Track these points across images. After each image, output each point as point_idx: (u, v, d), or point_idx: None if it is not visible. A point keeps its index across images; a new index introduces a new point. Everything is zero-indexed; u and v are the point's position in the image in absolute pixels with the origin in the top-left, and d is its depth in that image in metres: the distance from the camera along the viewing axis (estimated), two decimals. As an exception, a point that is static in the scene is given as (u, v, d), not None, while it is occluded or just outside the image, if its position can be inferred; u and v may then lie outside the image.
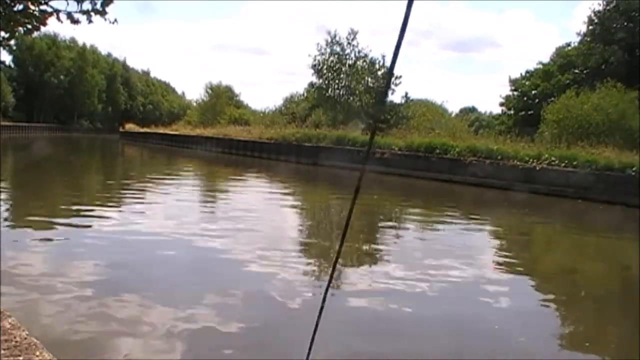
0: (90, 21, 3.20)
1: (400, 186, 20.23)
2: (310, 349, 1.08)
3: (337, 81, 37.52)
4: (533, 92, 35.29)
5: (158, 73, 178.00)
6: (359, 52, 37.86)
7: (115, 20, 3.29)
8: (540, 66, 37.17)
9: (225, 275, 6.63)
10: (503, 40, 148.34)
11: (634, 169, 17.41)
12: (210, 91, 57.34)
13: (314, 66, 37.70)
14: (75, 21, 3.17)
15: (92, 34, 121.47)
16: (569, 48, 36.08)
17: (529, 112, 33.52)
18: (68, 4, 3.14)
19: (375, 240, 9.62)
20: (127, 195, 14.22)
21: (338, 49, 37.60)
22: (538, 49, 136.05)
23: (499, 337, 5.14)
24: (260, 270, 6.77)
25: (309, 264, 7.75)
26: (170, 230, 9.07)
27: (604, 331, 5.73)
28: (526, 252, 10.13)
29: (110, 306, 5.07)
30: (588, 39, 33.48)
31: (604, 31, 32.15)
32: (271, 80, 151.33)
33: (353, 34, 37.67)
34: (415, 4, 0.85)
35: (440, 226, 12.05)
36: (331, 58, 37.55)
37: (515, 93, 37.75)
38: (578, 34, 35.40)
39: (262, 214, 11.99)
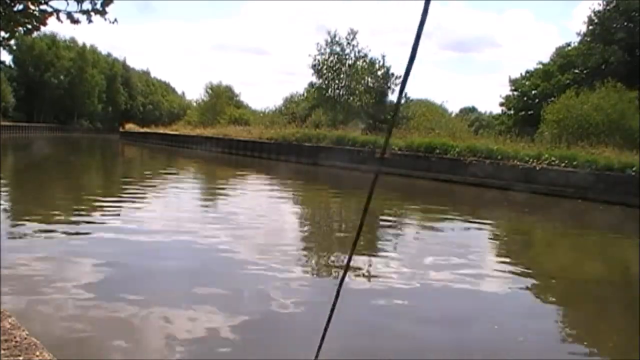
0: (90, 21, 3.20)
1: (400, 186, 20.21)
2: (319, 349, 1.08)
3: (337, 81, 37.54)
4: (533, 92, 35.29)
5: (158, 73, 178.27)
6: (358, 52, 37.94)
7: (115, 20, 3.29)
8: (540, 66, 37.17)
9: (225, 275, 6.63)
10: (503, 40, 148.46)
11: (634, 169, 17.41)
12: (210, 91, 57.38)
13: (314, 66, 37.75)
14: (75, 21, 3.17)
15: (92, 34, 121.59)
16: (569, 48, 36.07)
17: (529, 112, 33.52)
18: (68, 4, 3.14)
19: (374, 240, 9.61)
20: (127, 195, 14.21)
21: (338, 49, 37.64)
22: (538, 49, 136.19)
23: (499, 337, 5.14)
24: (260, 270, 6.77)
25: (309, 264, 7.74)
26: (170, 230, 9.07)
27: (603, 331, 5.73)
28: (526, 252, 10.13)
29: (111, 306, 5.07)
30: (588, 39, 33.47)
31: (604, 31, 32.14)
32: (271, 80, 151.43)
33: (353, 34, 37.75)
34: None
35: (440, 226, 12.05)
36: (331, 58, 37.57)
37: (515, 93, 37.74)
38: (578, 34, 35.43)
39: (262, 214, 11.98)
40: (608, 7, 32.48)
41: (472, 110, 68.82)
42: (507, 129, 30.68)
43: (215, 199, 15.42)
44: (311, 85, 40.19)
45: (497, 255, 9.28)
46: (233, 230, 9.53)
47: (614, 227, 14.08)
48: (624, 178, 17.44)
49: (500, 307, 6.19)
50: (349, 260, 0.87)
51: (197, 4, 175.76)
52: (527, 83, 36.72)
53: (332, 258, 8.16)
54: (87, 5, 3.15)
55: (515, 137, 24.21)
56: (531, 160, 19.92)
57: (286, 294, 5.81)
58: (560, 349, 5.06)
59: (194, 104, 68.08)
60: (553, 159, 19.50)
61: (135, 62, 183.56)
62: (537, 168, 19.49)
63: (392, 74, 37.49)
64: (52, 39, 75.43)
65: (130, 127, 63.08)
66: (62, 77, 75.48)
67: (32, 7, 3.20)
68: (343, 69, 37.22)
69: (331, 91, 37.81)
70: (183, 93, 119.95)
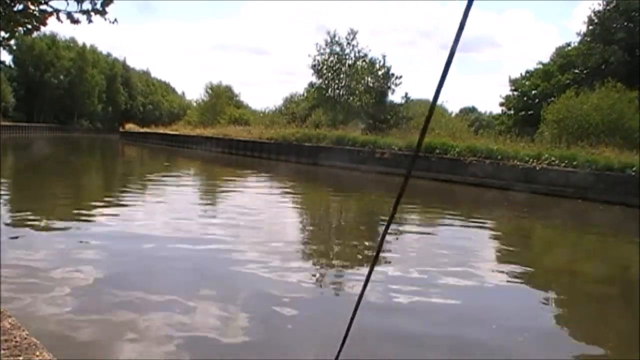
0: (90, 21, 3.20)
1: (399, 186, 20.19)
2: (340, 350, 1.08)
3: (337, 81, 37.54)
4: (533, 92, 35.29)
5: (158, 73, 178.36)
6: (358, 52, 37.92)
7: (115, 20, 3.29)
8: (540, 66, 37.18)
9: (225, 275, 6.63)
10: (503, 40, 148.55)
11: (634, 169, 17.41)
12: (210, 91, 57.40)
13: (313, 66, 37.75)
14: (75, 21, 3.17)
15: (92, 34, 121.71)
16: (569, 48, 36.08)
17: (529, 112, 33.52)
18: (68, 4, 3.15)
19: (374, 240, 9.61)
20: (127, 195, 14.22)
21: (338, 49, 37.64)
22: (538, 49, 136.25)
23: (498, 337, 5.14)
24: (260, 270, 6.77)
25: (309, 263, 7.74)
26: (170, 230, 9.07)
27: (603, 331, 5.73)
28: (526, 252, 10.12)
29: (111, 306, 5.07)
30: (588, 39, 33.48)
31: (604, 31, 32.15)
32: (271, 80, 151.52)
33: (353, 34, 37.74)
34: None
35: (439, 226, 12.05)
36: (331, 58, 37.57)
37: (515, 93, 37.75)
38: (578, 34, 35.44)
39: (262, 214, 11.98)
40: (608, 7, 32.48)
41: (472, 110, 68.81)
42: (507, 129, 30.68)
43: (216, 199, 15.42)
44: (311, 85, 40.20)
45: (497, 255, 9.28)
46: (233, 230, 9.53)
47: (614, 227, 14.09)
48: (624, 178, 17.44)
49: (499, 306, 6.18)
50: (374, 261, 0.87)
51: (197, 4, 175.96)
52: (527, 83, 36.72)
53: (332, 258, 8.17)
54: (87, 5, 3.16)
55: (515, 137, 24.21)
56: (531, 160, 19.91)
57: (286, 294, 5.81)
58: (560, 349, 5.06)
59: (194, 104, 68.13)
60: (553, 159, 19.51)
61: (135, 62, 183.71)
62: (537, 168, 19.49)
63: (392, 74, 37.51)
64: (52, 39, 75.46)
65: (130, 127, 63.08)
66: (62, 77, 75.50)
67: (32, 7, 3.20)
68: (343, 69, 37.22)
69: (331, 91, 37.82)
70: (183, 93, 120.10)
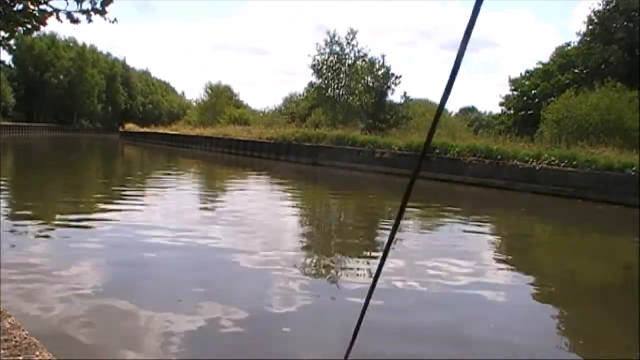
0: (90, 21, 3.20)
1: (400, 186, 20.20)
2: (349, 350, 1.07)
3: (337, 81, 37.52)
4: (533, 92, 35.27)
5: (158, 73, 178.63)
6: (358, 52, 37.90)
7: (115, 20, 3.29)
8: (540, 66, 37.16)
9: (225, 275, 6.63)
10: (503, 40, 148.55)
11: (634, 169, 17.40)
12: (210, 91, 57.41)
13: (313, 66, 37.73)
14: (75, 21, 3.17)
15: (92, 34, 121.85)
16: (569, 48, 36.08)
17: (529, 112, 33.50)
18: (68, 4, 3.15)
19: (374, 240, 9.62)
20: (127, 195, 14.22)
21: (338, 49, 37.62)
22: (538, 49, 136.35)
23: (498, 337, 5.14)
24: (260, 270, 6.77)
25: (309, 264, 7.74)
26: (170, 230, 9.07)
27: (603, 331, 5.73)
28: (526, 252, 10.12)
29: (111, 306, 5.07)
30: (588, 39, 33.47)
31: (604, 31, 32.14)
32: (271, 80, 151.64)
33: (353, 34, 37.72)
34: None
35: (439, 226, 12.05)
36: (331, 58, 37.55)
37: (515, 93, 37.73)
38: (578, 34, 35.42)
39: (263, 214, 11.98)
40: (608, 7, 32.47)
41: (472, 110, 68.77)
42: (507, 129, 30.66)
43: (216, 199, 15.42)
44: (311, 85, 40.20)
45: (497, 255, 9.28)
46: (233, 229, 9.53)
47: (614, 227, 14.09)
48: (624, 178, 17.44)
49: (499, 306, 6.18)
50: (383, 259, 0.86)
51: (197, 4, 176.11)
52: (527, 83, 36.71)
53: (332, 257, 8.17)
54: (87, 5, 3.16)
55: (515, 137, 24.19)
56: (531, 160, 19.91)
57: (286, 294, 5.81)
58: (559, 349, 5.06)
59: (194, 104, 68.19)
60: (553, 159, 19.50)
61: (135, 62, 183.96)
62: (537, 168, 19.49)
63: (392, 74, 37.50)
64: (52, 39, 75.52)
65: (130, 127, 63.11)
66: (62, 77, 75.56)
67: (32, 7, 3.20)
68: (343, 69, 37.20)
69: (331, 91, 37.80)
70: (183, 93, 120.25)
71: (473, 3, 0.79)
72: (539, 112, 28.54)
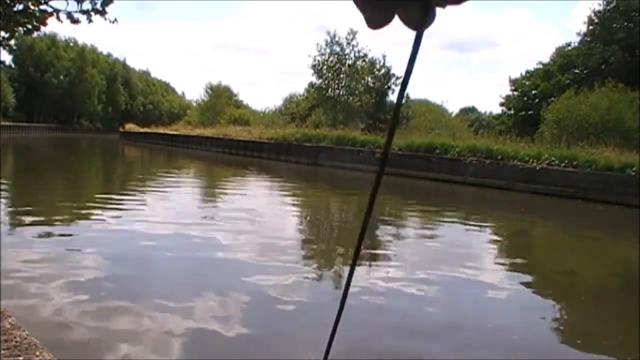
0: (90, 21, 3.21)
1: (400, 186, 20.22)
2: (327, 350, 1.07)
3: (337, 81, 37.53)
4: (533, 92, 35.28)
5: (158, 73, 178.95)
6: (358, 52, 37.91)
7: (115, 19, 3.30)
8: (540, 66, 37.17)
9: (225, 275, 6.63)
10: (503, 40, 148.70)
11: (634, 169, 17.41)
12: (210, 91, 57.43)
13: (313, 66, 37.74)
14: (75, 21, 3.18)
15: (92, 34, 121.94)
16: (569, 48, 36.08)
17: (529, 112, 33.51)
18: (68, 4, 3.15)
19: (374, 241, 9.61)
20: (127, 195, 14.22)
21: (338, 49, 37.63)
22: (538, 49, 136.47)
23: (497, 337, 5.14)
24: (260, 270, 6.78)
25: (309, 264, 7.74)
26: (170, 230, 9.07)
27: (603, 331, 5.73)
28: (526, 252, 10.12)
29: (111, 306, 5.07)
30: (588, 39, 33.48)
31: (604, 31, 32.15)
32: (271, 80, 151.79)
33: (353, 34, 37.72)
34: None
35: (439, 226, 12.05)
36: (331, 58, 37.56)
37: (515, 93, 37.74)
38: (578, 34, 35.46)
39: (263, 213, 11.98)
40: (608, 7, 32.49)
41: (472, 110, 68.80)
42: (507, 129, 30.67)
43: (216, 199, 15.42)
44: (311, 85, 40.20)
45: (497, 256, 9.28)
46: (233, 229, 9.53)
47: (614, 227, 14.10)
48: (624, 178, 17.45)
49: (499, 306, 6.18)
50: (355, 260, 0.86)
51: (197, 4, 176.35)
52: (527, 83, 36.72)
53: (331, 257, 8.17)
54: (87, 5, 3.16)
55: (515, 137, 24.20)
56: (531, 160, 19.91)
57: (285, 295, 5.81)
58: (559, 349, 5.06)
59: (194, 104, 68.21)
60: (553, 159, 19.51)
61: (135, 62, 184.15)
62: (537, 168, 19.49)
63: (393, 74, 37.53)
64: (52, 39, 75.52)
65: (130, 127, 63.11)
66: (62, 77, 75.60)
67: (32, 7, 3.21)
68: (343, 69, 37.21)
69: (331, 91, 37.80)
70: (183, 93, 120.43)
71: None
72: (539, 112, 28.54)
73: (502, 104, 39.72)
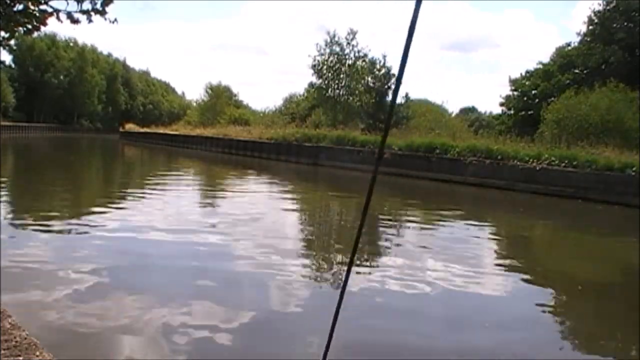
0: (90, 21, 3.21)
1: (400, 186, 20.23)
2: (327, 349, 1.07)
3: (337, 81, 37.52)
4: (533, 92, 35.28)
5: (158, 73, 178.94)
6: (358, 52, 37.89)
7: (115, 20, 3.30)
8: (540, 66, 37.17)
9: (225, 275, 6.63)
10: (502, 40, 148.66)
11: (634, 169, 17.41)
12: (210, 91, 57.43)
13: (313, 66, 37.71)
14: (75, 21, 3.18)
15: (92, 34, 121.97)
16: (569, 48, 36.08)
17: (529, 112, 33.51)
18: (68, 4, 3.15)
19: (374, 241, 9.61)
20: (127, 195, 14.22)
21: (338, 49, 37.61)
22: (538, 49, 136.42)
23: (497, 337, 5.14)
24: (259, 270, 6.77)
25: (309, 264, 7.74)
26: (170, 230, 9.07)
27: (603, 331, 5.73)
28: (526, 252, 10.12)
29: (111, 306, 5.07)
30: (588, 39, 33.48)
31: (604, 31, 32.15)
32: (271, 80, 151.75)
33: (352, 34, 37.70)
34: (414, 4, 0.84)
35: (439, 226, 12.04)
36: (331, 58, 37.54)
37: (515, 93, 37.74)
38: (578, 34, 35.45)
39: (263, 214, 11.98)
40: (608, 7, 32.49)
41: (472, 110, 68.78)
42: (507, 129, 30.67)
43: (215, 199, 15.41)
44: (311, 85, 40.18)
45: (496, 256, 9.28)
46: (233, 229, 9.53)
47: (614, 227, 14.09)
48: (624, 178, 17.44)
49: (498, 306, 6.18)
50: (352, 260, 0.87)
51: (197, 4, 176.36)
52: (527, 83, 36.72)
53: (331, 258, 8.17)
54: (87, 5, 3.16)
55: (515, 137, 24.19)
56: (531, 160, 19.91)
57: (285, 295, 5.81)
58: (559, 349, 5.06)
59: (194, 104, 68.22)
60: (553, 159, 19.51)
61: (135, 62, 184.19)
62: (537, 168, 19.49)
63: (393, 74, 37.47)
64: (52, 39, 75.52)
65: (130, 127, 63.15)
66: (62, 77, 75.60)
67: (32, 7, 3.20)
68: (343, 69, 37.19)
69: (331, 91, 37.79)
70: (183, 93, 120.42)
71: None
72: (539, 112, 28.53)
73: (502, 104, 39.73)
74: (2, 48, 3.92)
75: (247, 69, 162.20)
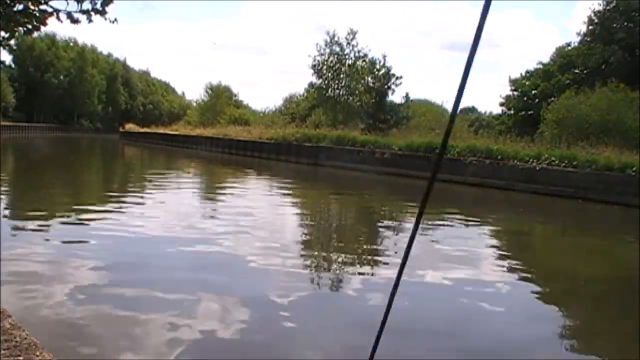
0: (90, 21, 3.21)
1: (400, 186, 20.23)
2: (374, 350, 1.08)
3: (337, 81, 37.51)
4: (533, 92, 35.24)
5: (158, 73, 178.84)
6: (358, 52, 37.88)
7: (115, 19, 3.30)
8: (540, 66, 37.13)
9: (225, 276, 6.63)
10: (503, 40, 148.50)
11: (634, 169, 17.41)
12: (210, 91, 57.43)
13: (313, 66, 37.70)
14: (75, 21, 3.18)
15: (92, 34, 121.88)
16: (569, 48, 36.04)
17: (529, 112, 33.47)
18: (68, 3, 3.15)
19: (374, 241, 9.62)
20: (127, 195, 14.22)
21: (338, 49, 37.60)
22: (538, 49, 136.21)
23: (497, 337, 5.14)
24: (259, 270, 6.78)
25: (309, 264, 7.74)
26: (170, 230, 9.07)
27: (603, 331, 5.73)
28: (525, 252, 10.13)
29: (111, 306, 5.07)
30: (588, 39, 33.45)
31: (604, 31, 32.13)
32: (271, 80, 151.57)
33: (352, 34, 37.69)
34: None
35: (439, 226, 12.03)
36: (331, 58, 37.54)
37: (515, 93, 37.70)
38: (578, 34, 35.40)
39: (262, 214, 11.98)
40: (608, 7, 32.46)
41: (472, 110, 68.64)
42: (507, 129, 30.64)
43: (215, 198, 15.41)
44: (311, 85, 40.17)
45: (496, 256, 9.27)
46: (233, 229, 9.53)
47: (614, 227, 14.09)
48: (624, 178, 17.44)
49: (498, 306, 6.18)
50: (403, 265, 0.87)
51: (197, 4, 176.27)
52: (527, 83, 36.68)
53: (331, 258, 8.17)
54: (87, 5, 3.16)
55: (515, 137, 24.19)
56: (531, 160, 19.91)
57: (285, 295, 5.81)
58: (559, 349, 5.06)
59: (194, 104, 68.19)
60: (553, 159, 19.50)
61: (135, 62, 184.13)
62: (537, 168, 19.49)
63: (392, 74, 37.51)
64: (52, 39, 75.51)
65: (130, 127, 63.17)
66: (62, 77, 75.60)
67: (32, 7, 3.20)
68: (343, 69, 37.18)
69: (331, 91, 37.78)
70: (183, 93, 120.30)
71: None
72: (539, 112, 28.51)
73: (502, 104, 39.68)
74: (2, 48, 3.92)
75: (247, 69, 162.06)
